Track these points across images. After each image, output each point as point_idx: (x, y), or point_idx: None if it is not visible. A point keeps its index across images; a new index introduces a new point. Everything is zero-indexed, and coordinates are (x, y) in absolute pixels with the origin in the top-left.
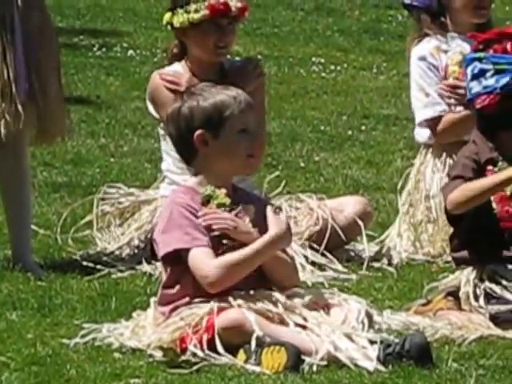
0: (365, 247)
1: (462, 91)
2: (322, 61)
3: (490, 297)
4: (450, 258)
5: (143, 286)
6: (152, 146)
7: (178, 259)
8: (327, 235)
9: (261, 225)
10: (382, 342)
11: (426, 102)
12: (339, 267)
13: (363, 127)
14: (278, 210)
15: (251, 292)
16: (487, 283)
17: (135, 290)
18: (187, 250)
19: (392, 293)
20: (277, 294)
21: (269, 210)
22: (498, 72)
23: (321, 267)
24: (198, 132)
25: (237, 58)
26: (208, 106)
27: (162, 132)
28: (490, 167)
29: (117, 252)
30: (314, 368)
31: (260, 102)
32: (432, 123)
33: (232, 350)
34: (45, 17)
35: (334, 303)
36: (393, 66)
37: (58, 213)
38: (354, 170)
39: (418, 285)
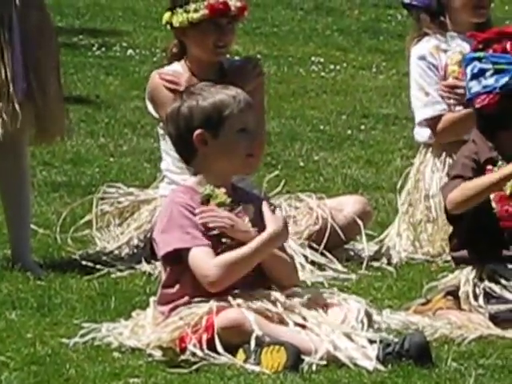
0: (364, 247)
1: (461, 91)
2: (322, 60)
3: (489, 296)
4: (449, 258)
5: (142, 286)
6: (151, 146)
7: (177, 259)
8: (327, 235)
9: (260, 224)
10: (381, 342)
11: (425, 101)
12: (339, 267)
13: (363, 126)
14: (273, 205)
15: (250, 292)
16: (487, 283)
17: (134, 289)
18: (187, 250)
19: (391, 292)
20: (276, 294)
21: (265, 205)
22: (497, 72)
23: (320, 267)
24: (198, 131)
25: (236, 58)
26: (207, 106)
27: (161, 131)
28: (489, 167)
29: (116, 251)
30: (314, 367)
31: (259, 101)
32: (432, 122)
33: (231, 350)
34: (44, 16)
35: (333, 303)
36: (392, 66)
37: (58, 212)
38: (354, 170)
39: (417, 284)
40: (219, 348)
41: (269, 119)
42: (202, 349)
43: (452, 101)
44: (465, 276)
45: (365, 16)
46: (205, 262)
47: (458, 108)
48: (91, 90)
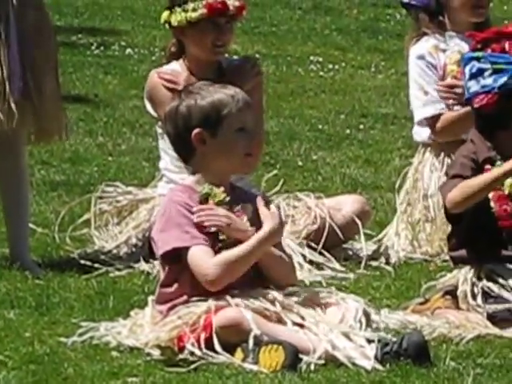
0: (363, 246)
1: (459, 90)
2: (320, 60)
3: (487, 296)
4: (447, 257)
5: (141, 285)
6: (150, 145)
7: (176, 258)
8: (325, 234)
9: (258, 223)
10: (379, 341)
11: (425, 100)
12: (337, 266)
13: (361, 126)
14: (267, 200)
15: (249, 291)
16: (485, 282)
17: (133, 288)
18: (186, 249)
19: (390, 292)
20: (274, 293)
21: (259, 201)
22: (496, 71)
23: (318, 266)
24: (196, 131)
25: (235, 57)
26: (206, 105)
27: (159, 130)
28: (488, 166)
29: (114, 250)
30: (312, 367)
31: (258, 100)
32: (432, 121)
33: (230, 349)
34: (42, 15)
35: (331, 302)
36: (391, 65)
37: (56, 211)
38: (352, 169)
39: (415, 284)
40: (217, 347)
41: (267, 118)
42: (200, 348)
43: (451, 101)
44: (463, 275)
45: (363, 15)
46: (204, 261)
47: (456, 108)
48: (90, 89)
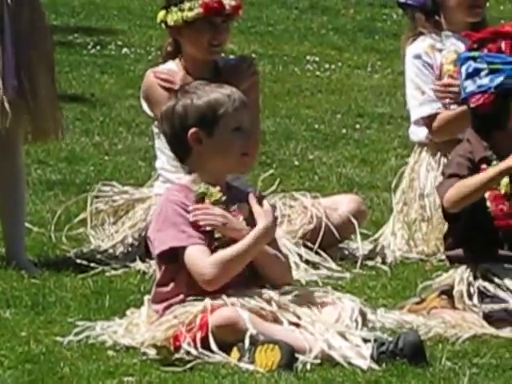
0: (359, 246)
1: (455, 89)
2: (317, 59)
3: (483, 295)
4: (443, 257)
5: (137, 284)
6: (146, 144)
7: (173, 257)
8: (321, 233)
9: (254, 222)
10: (375, 341)
11: (422, 99)
12: (333, 266)
13: (357, 126)
14: (259, 196)
15: (245, 290)
16: (481, 282)
17: (129, 287)
18: (183, 248)
19: (386, 291)
20: (270, 292)
21: (251, 199)
22: (492, 71)
23: (315, 265)
24: (192, 130)
25: (231, 57)
26: (202, 104)
27: (156, 130)
28: (484, 166)
29: (111, 250)
30: (308, 366)
31: (254, 100)
32: (428, 121)
33: (226, 348)
34: (38, 15)
35: (327, 301)
36: (387, 65)
37: (52, 211)
38: (349, 169)
39: (411, 283)
40: (213, 346)
41: (264, 118)
42: (196, 347)
43: (447, 100)
44: (459, 275)
45: (360, 15)
46: (201, 260)
47: (452, 107)
48: (86, 89)
